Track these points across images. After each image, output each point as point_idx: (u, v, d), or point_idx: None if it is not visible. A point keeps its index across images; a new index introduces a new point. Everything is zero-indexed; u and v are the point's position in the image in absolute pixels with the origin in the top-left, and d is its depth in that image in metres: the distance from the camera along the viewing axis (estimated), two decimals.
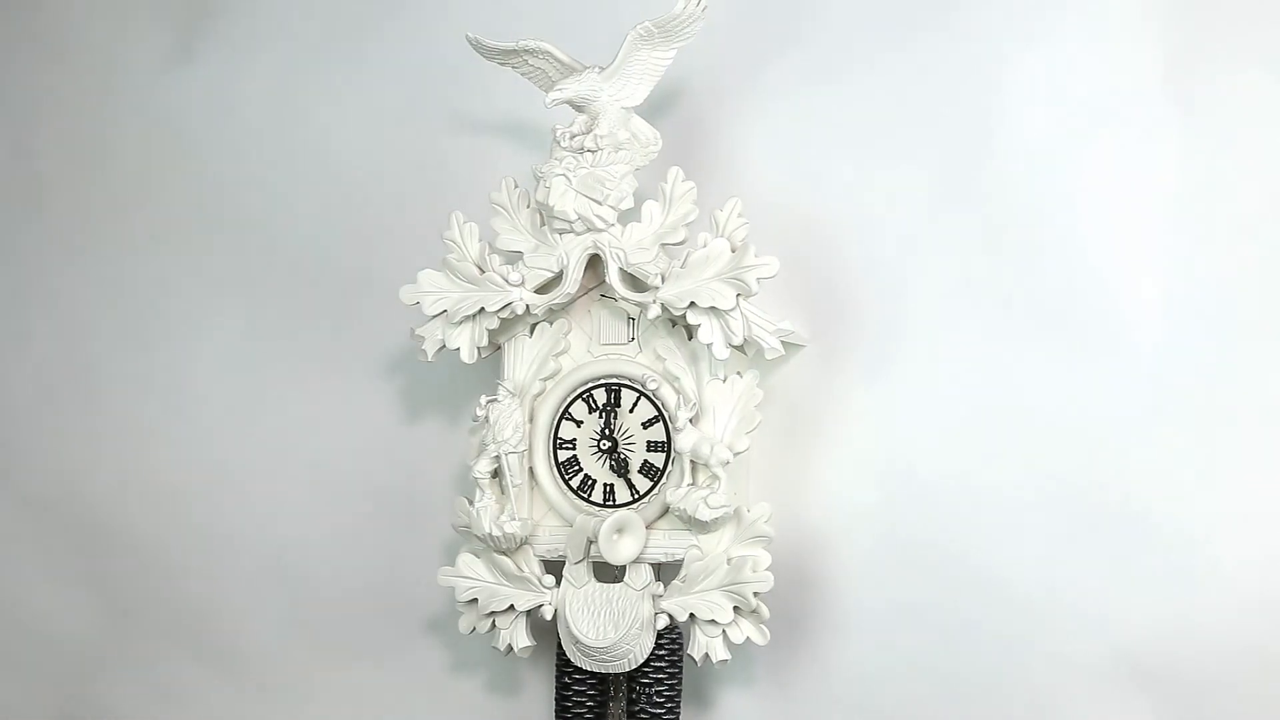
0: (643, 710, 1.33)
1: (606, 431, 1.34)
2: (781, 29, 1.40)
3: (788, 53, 1.40)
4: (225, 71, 1.59)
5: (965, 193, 1.34)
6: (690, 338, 1.32)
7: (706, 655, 1.30)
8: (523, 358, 1.36)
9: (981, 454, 1.32)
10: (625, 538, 1.30)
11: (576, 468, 1.35)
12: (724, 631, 1.30)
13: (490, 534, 1.32)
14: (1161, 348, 1.28)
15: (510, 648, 1.35)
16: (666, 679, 1.33)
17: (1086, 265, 1.30)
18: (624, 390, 1.34)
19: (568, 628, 1.31)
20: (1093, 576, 1.29)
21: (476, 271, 1.33)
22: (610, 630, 1.30)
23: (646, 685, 1.32)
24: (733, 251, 1.27)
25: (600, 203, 1.30)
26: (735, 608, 1.29)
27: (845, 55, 1.38)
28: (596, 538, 1.30)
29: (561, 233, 1.32)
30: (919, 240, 1.35)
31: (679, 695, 1.33)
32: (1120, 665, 1.28)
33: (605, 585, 1.32)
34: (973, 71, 1.35)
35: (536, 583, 1.33)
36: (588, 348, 1.36)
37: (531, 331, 1.36)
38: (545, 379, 1.36)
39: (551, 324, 1.36)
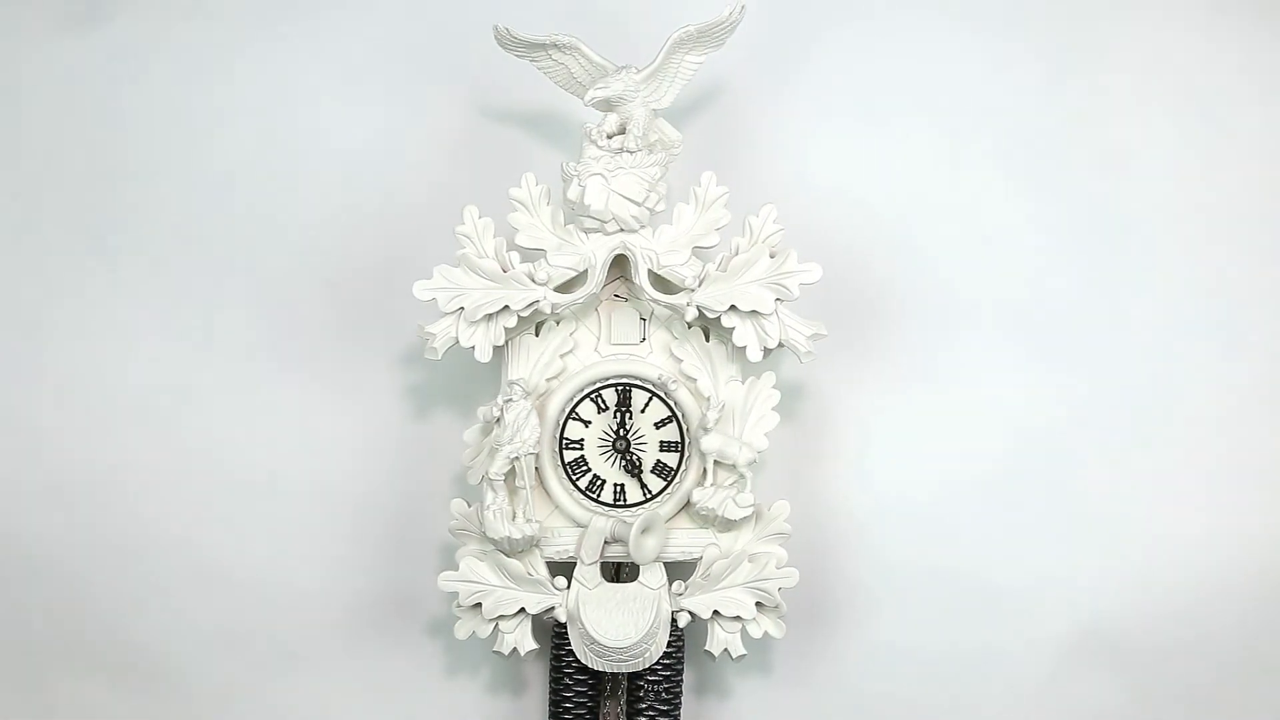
0: (650, 708, 1.34)
1: (621, 432, 1.34)
2: (802, 31, 1.46)
3: (805, 56, 1.46)
4: (133, 37, 1.47)
5: (983, 201, 1.44)
6: (708, 339, 1.34)
7: (726, 650, 1.33)
8: (528, 357, 1.34)
9: (975, 455, 1.42)
10: (649, 537, 1.30)
11: (584, 468, 1.34)
12: (743, 627, 1.33)
13: (509, 537, 1.29)
14: (1118, 362, 1.43)
15: (515, 651, 1.32)
16: (672, 675, 1.34)
17: (1071, 286, 1.44)
18: (634, 390, 1.34)
19: (583, 629, 1.30)
20: (1065, 564, 1.42)
21: (498, 269, 1.30)
22: (631, 630, 1.30)
23: (655, 683, 1.34)
24: (771, 256, 1.30)
25: (639, 204, 1.30)
26: (757, 603, 1.32)
27: (867, 57, 1.46)
28: (616, 538, 1.30)
29: (589, 232, 1.31)
30: (933, 244, 1.44)
31: (681, 691, 1.35)
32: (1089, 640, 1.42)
33: (618, 585, 1.32)
34: (982, 77, 1.45)
35: (548, 585, 1.32)
36: (595, 347, 1.35)
37: (537, 331, 1.34)
38: (550, 379, 1.34)
39: (558, 323, 1.34)
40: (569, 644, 1.32)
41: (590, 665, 1.31)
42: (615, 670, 1.31)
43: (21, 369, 1.45)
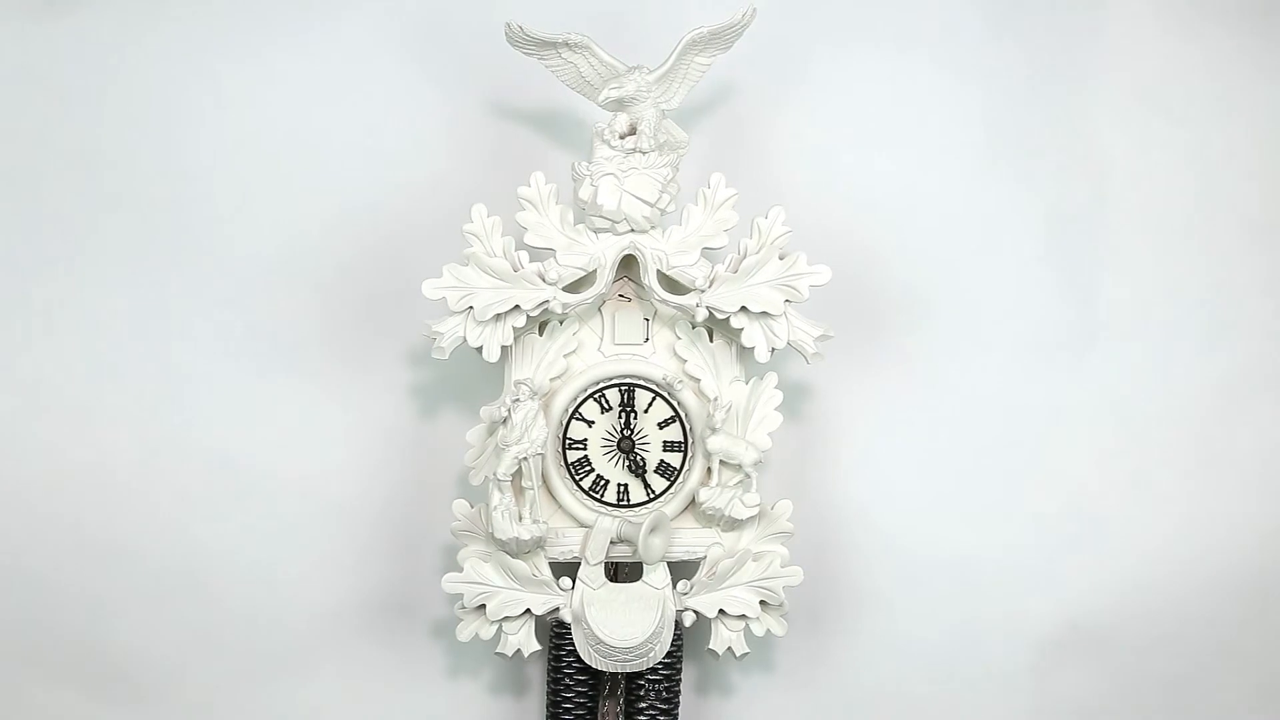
0: (652, 706, 1.34)
1: (626, 432, 1.34)
2: (807, 34, 1.47)
3: (810, 58, 1.47)
4: (124, 26, 1.43)
5: (986, 203, 1.46)
6: (711, 339, 1.34)
7: (729, 649, 1.34)
8: (532, 357, 1.34)
9: (975, 455, 1.45)
10: (657, 537, 1.31)
11: (588, 468, 1.34)
12: (747, 625, 1.34)
13: (517, 538, 1.29)
14: (1116, 363, 1.47)
15: (519, 652, 1.32)
16: (672, 674, 1.35)
17: (1071, 288, 1.47)
18: (638, 390, 1.34)
19: (589, 629, 1.30)
20: (1070, 562, 1.46)
21: (508, 268, 1.29)
22: (636, 630, 1.30)
23: (655, 682, 1.34)
24: (781, 258, 1.31)
25: (651, 204, 1.30)
26: (761, 602, 1.33)
27: (873, 61, 1.47)
28: (623, 538, 1.31)
29: (599, 231, 1.31)
30: (937, 245, 1.46)
31: (680, 689, 1.36)
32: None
33: (622, 585, 1.32)
34: (988, 81, 1.47)
35: (552, 585, 1.31)
36: (599, 347, 1.35)
37: (541, 330, 1.34)
38: (554, 379, 1.34)
39: (562, 323, 1.34)
40: (568, 644, 1.32)
41: (594, 665, 1.31)
42: (620, 670, 1.31)
43: (8, 368, 1.41)
